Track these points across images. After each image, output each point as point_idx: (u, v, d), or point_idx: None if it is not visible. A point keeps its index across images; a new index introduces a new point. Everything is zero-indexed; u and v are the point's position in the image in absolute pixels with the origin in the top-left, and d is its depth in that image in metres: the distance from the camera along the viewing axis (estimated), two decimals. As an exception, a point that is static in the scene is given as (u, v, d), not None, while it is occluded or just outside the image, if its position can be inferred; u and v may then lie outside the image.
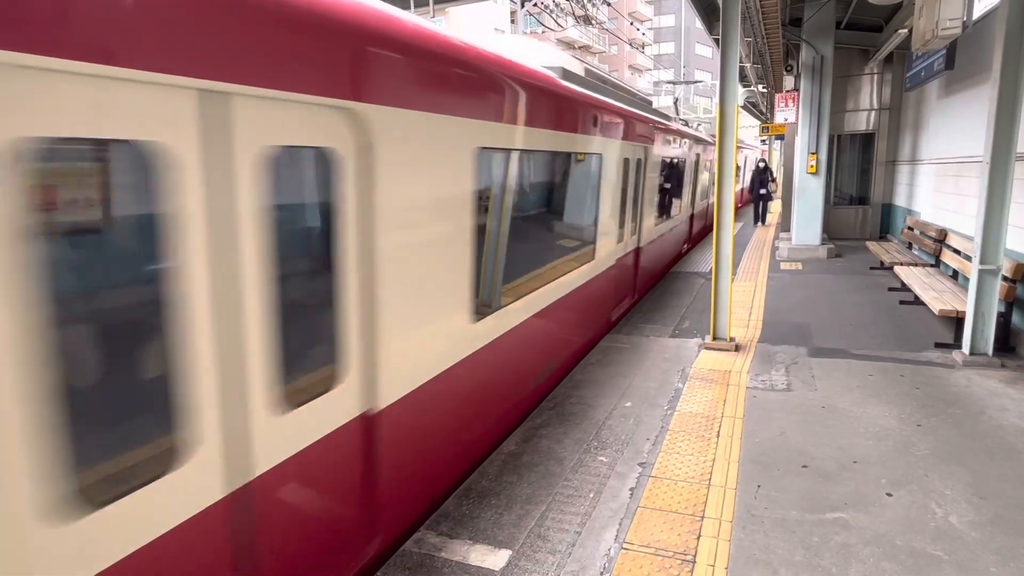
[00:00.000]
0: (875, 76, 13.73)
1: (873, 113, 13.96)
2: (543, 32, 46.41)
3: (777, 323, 7.27)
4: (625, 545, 3.13)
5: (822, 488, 3.64)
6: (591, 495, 3.61)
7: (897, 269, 8.43)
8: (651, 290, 9.36)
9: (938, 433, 4.35)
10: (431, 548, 3.12)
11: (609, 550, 3.10)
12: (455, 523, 3.34)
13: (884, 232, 14.02)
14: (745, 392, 5.16)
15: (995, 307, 5.72)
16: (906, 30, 9.80)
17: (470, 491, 3.67)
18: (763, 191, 17.89)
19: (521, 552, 3.09)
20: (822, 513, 3.38)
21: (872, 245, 10.96)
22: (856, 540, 3.14)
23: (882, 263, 9.76)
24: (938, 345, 6.29)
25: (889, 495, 3.56)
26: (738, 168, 9.52)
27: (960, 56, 8.91)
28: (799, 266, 11.08)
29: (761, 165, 17.61)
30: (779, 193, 19.31)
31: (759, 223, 18.01)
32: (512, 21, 46.60)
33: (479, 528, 3.29)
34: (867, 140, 14.25)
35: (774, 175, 18.82)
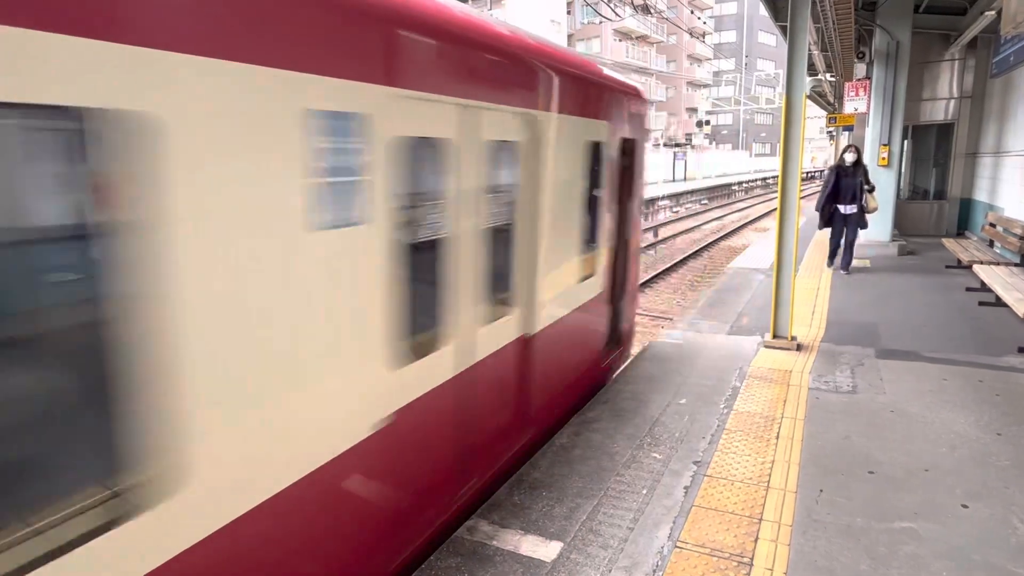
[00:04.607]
0: (956, 62, 12.88)
1: (953, 102, 13.12)
2: (600, 22, 45.83)
3: (842, 322, 6.96)
4: (679, 544, 3.08)
5: (890, 496, 3.47)
6: (644, 491, 3.56)
7: (976, 268, 7.93)
8: (708, 286, 9.13)
9: (1020, 443, 4.07)
10: (483, 536, 3.15)
11: (662, 548, 3.05)
12: (507, 513, 3.36)
13: (961, 228, 13.19)
14: (807, 393, 4.97)
15: (1089, 310, 5.29)
16: (994, 12, 9.14)
17: (521, 481, 3.68)
18: (848, 208, 9.27)
19: (572, 545, 3.08)
20: (890, 522, 3.22)
21: (948, 242, 10.34)
22: (927, 552, 2.98)
23: (959, 261, 9.19)
24: (1022, 350, 5.88)
25: (965, 506, 3.36)
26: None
27: (1055, 39, 8.26)
28: (867, 263, 10.56)
29: (849, 159, 9.28)
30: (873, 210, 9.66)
31: (837, 264, 9.73)
32: (568, 12, 46.21)
33: (531, 519, 3.30)
34: (945, 131, 13.41)
35: (870, 182, 9.50)
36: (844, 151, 9.55)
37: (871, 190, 9.40)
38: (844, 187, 9.28)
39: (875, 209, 9.47)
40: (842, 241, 9.54)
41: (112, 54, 1.42)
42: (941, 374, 5.33)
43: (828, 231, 9.86)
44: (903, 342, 6.22)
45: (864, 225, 9.48)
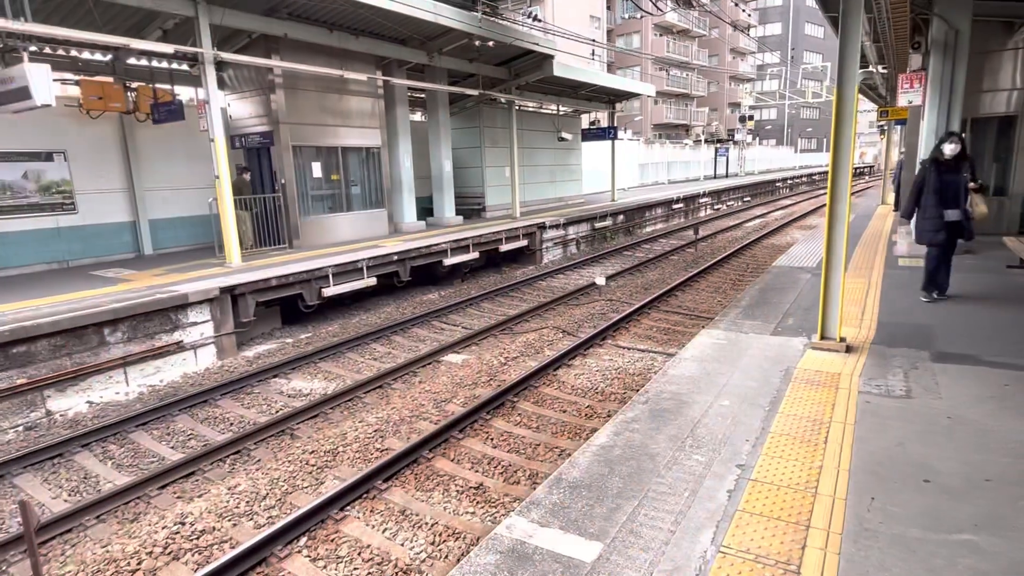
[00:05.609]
0: (1020, 51, 12.22)
1: (1016, 93, 12.45)
2: (641, 17, 45.20)
3: (894, 323, 6.69)
4: (722, 549, 3.01)
5: (948, 506, 3.32)
6: (686, 494, 3.49)
7: (1042, 268, 7.50)
8: (751, 285, 8.92)
9: (1092, 454, 3.84)
10: (522, 534, 3.14)
11: (705, 552, 2.99)
12: (546, 511, 3.35)
13: (1025, 226, 12.52)
14: (857, 397, 4.80)
15: None
16: (1063, -3, 8.64)
17: (560, 481, 3.66)
18: (952, 213, 7.14)
19: (612, 546, 3.04)
20: (948, 533, 3.08)
21: (1010, 241, 9.82)
22: (989, 566, 2.83)
23: (1022, 261, 8.73)
24: (1092, 355, 5.54)
25: (1030, 520, 3.18)
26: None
27: None
28: (920, 262, 10.12)
29: (949, 151, 7.00)
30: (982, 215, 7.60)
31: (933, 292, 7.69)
32: (608, 8, 45.72)
33: (570, 518, 3.28)
34: (1006, 123, 12.74)
35: (977, 178, 7.64)
36: (942, 141, 7.10)
37: (979, 188, 7.22)
38: (945, 187, 7.03)
39: (984, 214, 7.29)
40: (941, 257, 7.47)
41: None
42: (1002, 380, 5.07)
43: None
44: (960, 345, 5.94)
45: (968, 236, 7.29)
